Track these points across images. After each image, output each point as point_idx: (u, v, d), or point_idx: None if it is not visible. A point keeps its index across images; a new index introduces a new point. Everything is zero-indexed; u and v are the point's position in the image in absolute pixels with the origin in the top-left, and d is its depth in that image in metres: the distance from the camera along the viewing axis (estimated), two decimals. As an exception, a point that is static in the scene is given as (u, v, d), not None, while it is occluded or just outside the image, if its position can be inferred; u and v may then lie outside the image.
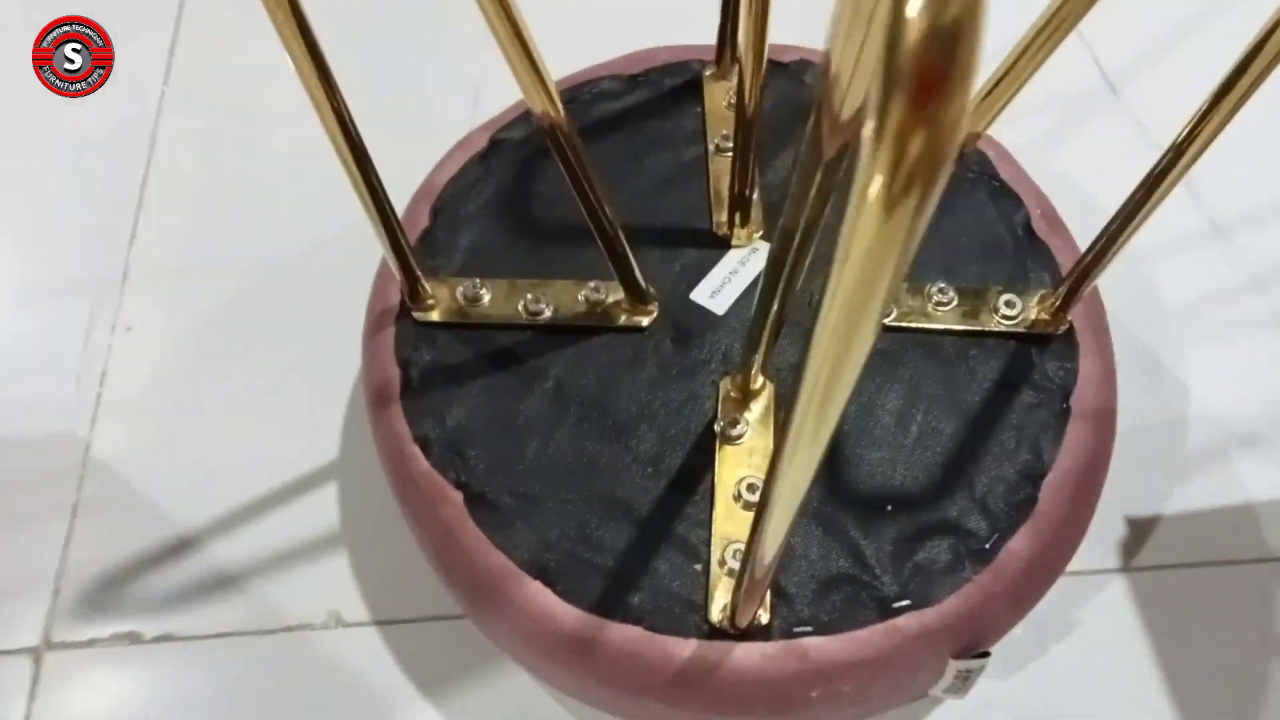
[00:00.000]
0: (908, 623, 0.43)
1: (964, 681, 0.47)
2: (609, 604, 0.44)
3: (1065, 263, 0.53)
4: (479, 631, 0.49)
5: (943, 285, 0.51)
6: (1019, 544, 0.45)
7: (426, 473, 0.47)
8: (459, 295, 0.51)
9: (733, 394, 0.49)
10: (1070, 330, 0.51)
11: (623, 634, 0.43)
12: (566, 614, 0.43)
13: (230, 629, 0.55)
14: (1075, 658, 0.56)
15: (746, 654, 0.42)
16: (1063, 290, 0.50)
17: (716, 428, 0.48)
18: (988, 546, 0.45)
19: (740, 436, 0.47)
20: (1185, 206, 0.72)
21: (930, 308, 0.51)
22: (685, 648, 0.42)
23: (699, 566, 0.45)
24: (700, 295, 0.52)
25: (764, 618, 0.43)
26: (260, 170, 0.72)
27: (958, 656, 0.44)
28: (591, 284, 0.51)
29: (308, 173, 0.70)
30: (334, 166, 0.38)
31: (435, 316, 0.51)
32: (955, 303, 0.51)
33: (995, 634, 0.46)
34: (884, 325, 0.51)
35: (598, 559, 0.45)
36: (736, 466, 0.47)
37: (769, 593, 0.44)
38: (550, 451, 0.47)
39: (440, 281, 0.51)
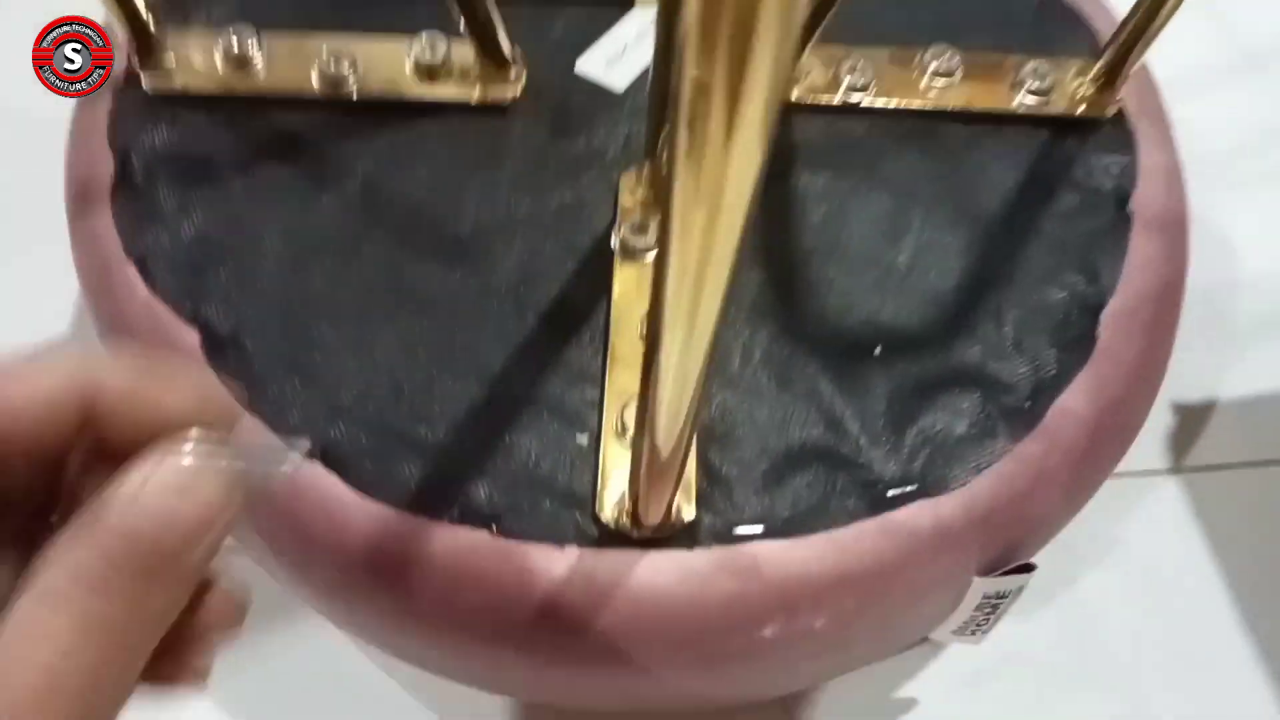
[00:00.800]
0: (914, 517, 0.28)
1: (988, 613, 0.32)
2: (436, 498, 0.27)
3: (1102, 29, 0.38)
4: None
5: (943, 49, 0.36)
6: (1075, 399, 0.30)
7: (145, 304, 0.30)
8: (218, 55, 0.34)
9: (638, 193, 0.33)
10: (1121, 115, 0.36)
11: (458, 542, 0.27)
12: (364, 514, 0.27)
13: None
14: (1117, 586, 0.42)
15: (658, 568, 0.27)
16: (1106, 60, 0.36)
17: (614, 241, 0.32)
18: (1029, 404, 0.30)
19: (650, 250, 0.32)
20: (1214, 37, 0.59)
21: (925, 82, 0.36)
22: (559, 560, 0.27)
23: (584, 437, 0.29)
24: (591, 66, 0.36)
25: (687, 513, 0.27)
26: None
27: (987, 571, 0.29)
28: (424, 38, 0.34)
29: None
30: None
31: (179, 84, 0.34)
32: (962, 75, 0.36)
33: (1041, 535, 0.31)
34: (859, 108, 0.35)
35: (420, 432, 0.28)
36: (645, 293, 0.31)
37: (693, 475, 0.28)
38: (351, 277, 0.31)
39: (188, 35, 0.34)
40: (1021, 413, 0.30)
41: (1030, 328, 0.31)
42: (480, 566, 0.27)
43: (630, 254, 0.32)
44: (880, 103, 0.36)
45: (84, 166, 0.32)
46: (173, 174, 0.32)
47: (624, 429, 0.28)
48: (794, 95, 0.35)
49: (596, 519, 0.27)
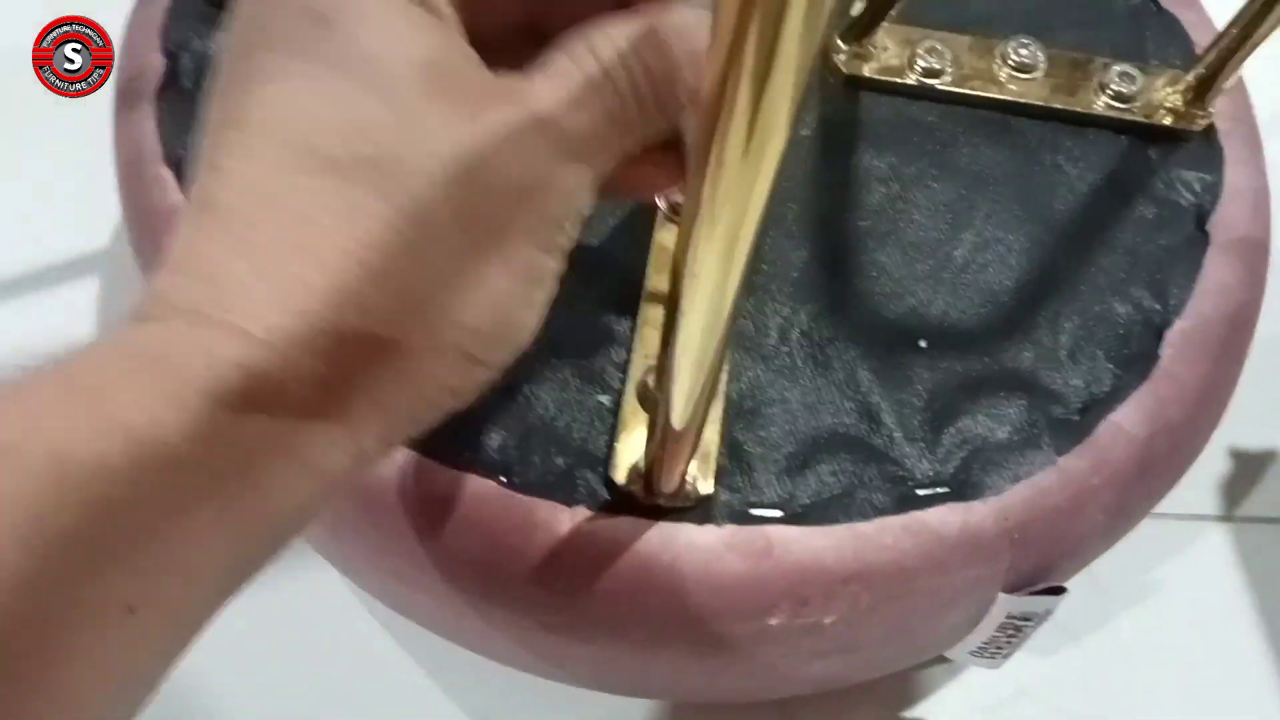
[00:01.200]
0: (942, 519, 0.27)
1: (1011, 636, 0.31)
2: (445, 442, 0.27)
3: (1200, 41, 0.37)
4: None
5: (1026, 42, 0.35)
6: (1128, 417, 0.29)
7: (175, 208, 0.30)
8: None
9: (691, 154, 0.32)
10: (1210, 130, 0.35)
11: (464, 489, 0.26)
12: (369, 448, 0.27)
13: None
14: (1149, 631, 0.40)
15: (666, 539, 0.26)
16: (1198, 72, 0.34)
17: (660, 199, 0.31)
18: (1079, 416, 0.29)
19: (696, 214, 0.31)
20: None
21: (1005, 73, 0.35)
22: (565, 518, 0.26)
23: (606, 398, 0.28)
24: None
25: (704, 487, 0.27)
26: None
27: (1014, 589, 0.28)
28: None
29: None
30: None
31: (236, -6, 0.34)
32: (1044, 70, 0.35)
33: (1076, 558, 0.30)
34: (933, 91, 0.35)
35: (439, 372, 0.28)
36: (685, 256, 0.30)
37: (714, 448, 0.27)
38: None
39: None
40: (1069, 425, 0.29)
41: (1088, 339, 0.30)
42: (483, 516, 0.26)
43: (676, 214, 0.31)
44: (955, 90, 0.35)
45: (134, 63, 0.32)
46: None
47: (646, 393, 0.28)
48: (865, 72, 0.34)
49: (609, 482, 0.27)
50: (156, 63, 0.32)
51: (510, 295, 0.18)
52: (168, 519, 0.14)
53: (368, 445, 0.17)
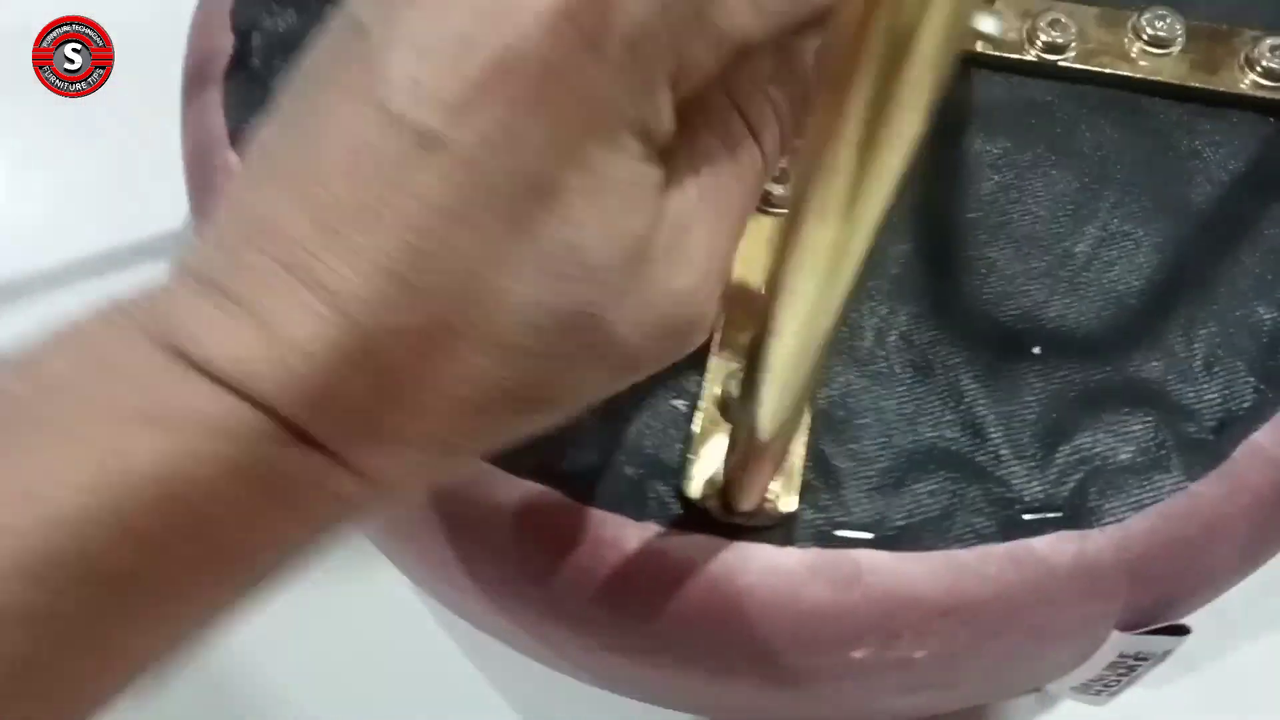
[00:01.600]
0: (1053, 548, 0.24)
1: (1122, 674, 0.28)
2: (510, 449, 0.25)
3: (1366, 12, 0.33)
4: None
5: (1163, 14, 0.31)
6: (1270, 439, 0.26)
7: (237, 193, 0.29)
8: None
9: (782, 136, 0.30)
10: (1375, 112, 0.31)
11: (528, 499, 0.25)
12: (429, 451, 0.25)
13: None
14: (1272, 665, 0.37)
15: (744, 561, 0.24)
16: (1365, 48, 0.30)
17: (747, 186, 0.29)
18: (1213, 436, 0.26)
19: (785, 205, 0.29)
20: None
21: (1137, 49, 0.31)
22: (634, 534, 0.24)
23: (681, 403, 0.26)
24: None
25: (787, 504, 0.24)
26: None
27: (1131, 627, 0.26)
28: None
29: None
30: None
31: (308, -35, 0.32)
32: (1182, 45, 0.31)
33: (1202, 594, 0.27)
34: (1055, 68, 0.31)
35: (505, 369, 0.26)
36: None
37: (799, 462, 0.25)
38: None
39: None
40: (1203, 446, 0.26)
41: (1226, 347, 0.27)
42: (548, 529, 0.25)
43: (763, 205, 0.29)
44: (1080, 67, 0.31)
45: (203, 44, 0.31)
46: (290, 61, 0.31)
47: (726, 400, 0.26)
48: (979, 48, 0.31)
49: (682, 495, 0.25)
50: (225, 43, 0.31)
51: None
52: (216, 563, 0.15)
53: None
